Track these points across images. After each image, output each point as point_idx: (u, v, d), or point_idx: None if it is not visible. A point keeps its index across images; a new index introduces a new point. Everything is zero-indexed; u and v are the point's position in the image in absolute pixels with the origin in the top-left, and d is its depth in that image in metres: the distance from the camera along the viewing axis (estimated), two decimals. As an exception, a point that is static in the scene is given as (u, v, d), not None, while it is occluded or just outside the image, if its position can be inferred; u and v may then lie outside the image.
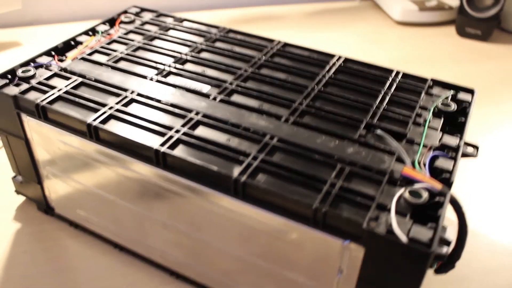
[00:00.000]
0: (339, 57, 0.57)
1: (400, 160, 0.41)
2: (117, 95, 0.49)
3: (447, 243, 0.41)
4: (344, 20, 1.16)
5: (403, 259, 0.34)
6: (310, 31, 1.10)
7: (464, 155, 0.44)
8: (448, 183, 0.39)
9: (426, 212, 0.36)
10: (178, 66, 0.54)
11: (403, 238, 0.33)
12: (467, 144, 0.45)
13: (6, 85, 0.50)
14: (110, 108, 0.47)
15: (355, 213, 0.35)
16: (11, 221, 0.58)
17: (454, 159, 0.41)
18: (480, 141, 0.49)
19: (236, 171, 0.39)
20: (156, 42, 0.60)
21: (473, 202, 0.62)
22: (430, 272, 0.37)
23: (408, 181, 0.38)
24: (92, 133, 0.45)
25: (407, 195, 0.36)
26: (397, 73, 0.54)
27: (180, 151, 0.42)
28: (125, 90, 0.50)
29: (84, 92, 0.50)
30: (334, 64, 0.55)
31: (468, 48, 1.04)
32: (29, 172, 0.55)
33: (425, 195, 0.36)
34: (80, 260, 0.54)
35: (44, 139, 0.50)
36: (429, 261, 0.33)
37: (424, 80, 0.53)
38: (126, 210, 0.49)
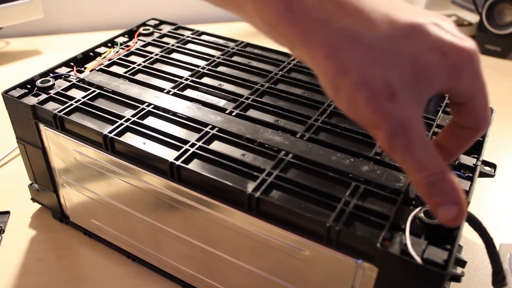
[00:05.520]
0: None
1: (415, 179, 0.40)
2: (134, 107, 0.49)
3: (462, 263, 0.40)
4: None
5: (417, 280, 0.33)
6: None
7: (482, 174, 0.44)
8: (464, 203, 0.38)
9: (441, 232, 0.35)
10: (195, 79, 0.55)
11: (418, 259, 0.32)
12: (484, 163, 0.45)
13: (25, 94, 0.51)
14: (127, 120, 0.47)
15: (369, 232, 0.35)
16: (26, 228, 0.59)
17: (471, 179, 0.41)
18: (498, 160, 0.48)
19: (250, 186, 0.39)
20: (174, 55, 0.61)
21: (491, 222, 0.61)
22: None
23: (423, 201, 0.38)
24: (108, 145, 0.45)
25: (422, 215, 0.36)
26: (414, 90, 0.53)
27: (194, 165, 0.42)
28: (142, 102, 0.50)
29: (101, 103, 0.50)
30: (350, 80, 0.55)
31: (487, 65, 1.02)
32: (45, 181, 0.56)
33: (440, 215, 0.36)
34: (93, 269, 0.54)
35: (61, 148, 0.50)
36: (444, 282, 0.32)
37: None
38: (139, 222, 0.49)
